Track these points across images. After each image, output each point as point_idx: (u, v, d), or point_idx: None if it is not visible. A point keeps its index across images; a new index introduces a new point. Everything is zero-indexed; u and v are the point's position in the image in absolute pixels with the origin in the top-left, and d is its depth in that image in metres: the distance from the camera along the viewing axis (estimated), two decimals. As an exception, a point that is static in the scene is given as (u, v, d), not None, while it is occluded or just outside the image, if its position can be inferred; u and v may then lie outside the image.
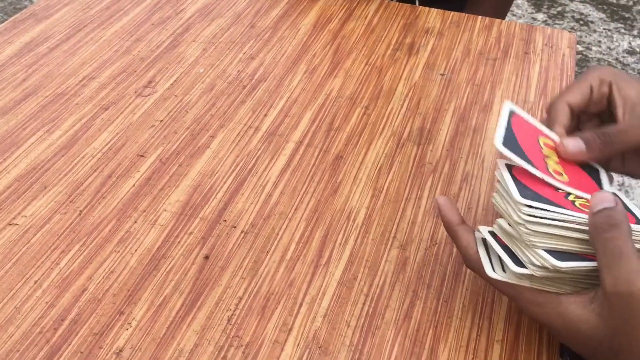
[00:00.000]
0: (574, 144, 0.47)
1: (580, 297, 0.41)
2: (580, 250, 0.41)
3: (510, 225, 0.43)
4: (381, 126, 0.66)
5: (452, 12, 0.86)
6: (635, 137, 0.48)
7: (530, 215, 0.41)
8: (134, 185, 0.58)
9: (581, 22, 2.60)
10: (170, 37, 0.78)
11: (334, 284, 0.50)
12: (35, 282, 0.49)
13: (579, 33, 2.53)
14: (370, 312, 0.48)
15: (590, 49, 2.47)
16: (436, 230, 0.55)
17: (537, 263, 0.40)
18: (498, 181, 0.45)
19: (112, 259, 0.51)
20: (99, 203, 0.56)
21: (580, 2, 2.73)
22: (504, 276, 0.43)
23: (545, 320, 0.42)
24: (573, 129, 0.51)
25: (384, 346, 0.46)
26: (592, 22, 2.62)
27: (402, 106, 0.69)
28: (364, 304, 0.49)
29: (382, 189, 0.59)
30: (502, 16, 1.01)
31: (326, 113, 0.67)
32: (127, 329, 0.46)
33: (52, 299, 0.48)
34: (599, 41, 2.51)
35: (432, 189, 0.59)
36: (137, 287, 0.49)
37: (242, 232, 0.54)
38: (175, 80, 0.71)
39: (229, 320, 0.47)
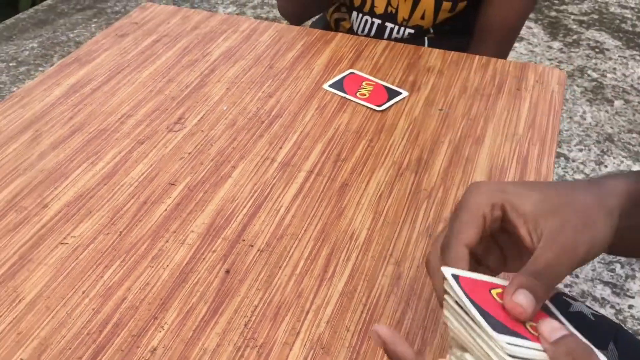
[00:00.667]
0: (525, 299, 0.41)
1: None
2: None
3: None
4: (383, 157, 0.74)
5: (453, 52, 0.95)
6: (564, 268, 0.43)
7: (512, 357, 0.37)
8: (165, 209, 0.67)
9: (597, 50, 2.66)
10: (198, 77, 0.87)
11: (337, 295, 0.58)
12: (83, 292, 0.58)
13: (594, 61, 2.58)
14: (367, 319, 0.56)
15: (605, 76, 2.52)
16: (428, 248, 0.63)
17: None
18: (447, 294, 0.41)
19: (147, 273, 0.60)
20: (136, 225, 0.65)
21: (596, 30, 2.79)
22: None
23: None
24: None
25: (378, 348, 0.54)
26: (607, 49, 2.68)
27: (402, 139, 0.77)
28: (362, 312, 0.57)
29: (382, 212, 0.67)
30: (504, 56, 1.09)
31: (334, 145, 0.76)
32: (160, 332, 0.55)
33: (98, 306, 0.56)
34: (614, 68, 2.56)
35: (426, 212, 0.67)
36: (168, 297, 0.57)
37: (258, 250, 0.62)
38: (202, 117, 0.80)
39: (246, 324, 0.55)
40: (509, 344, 0.38)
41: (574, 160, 2.07)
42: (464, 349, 0.41)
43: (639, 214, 0.48)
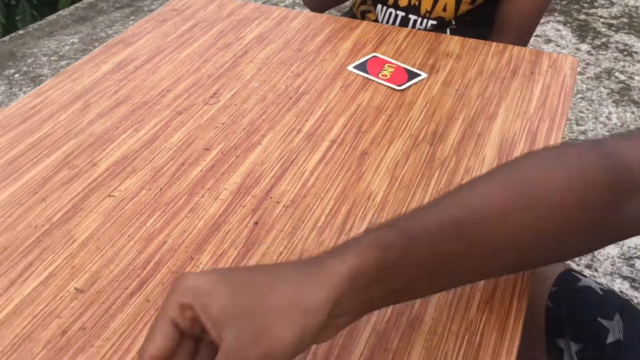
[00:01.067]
0: None
1: None
2: None
3: None
4: (401, 130, 0.80)
5: (471, 39, 1.00)
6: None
7: None
8: (201, 170, 0.74)
9: (625, 53, 2.67)
10: (232, 58, 0.95)
11: (354, 246, 0.64)
12: (129, 235, 0.65)
13: (622, 63, 2.60)
14: (380, 266, 0.62)
15: (633, 79, 2.54)
16: (439, 209, 0.68)
17: None
18: None
19: (185, 222, 0.67)
20: (175, 183, 0.72)
21: (625, 33, 2.80)
22: None
23: None
24: None
25: (389, 290, 0.60)
26: (636, 52, 2.69)
27: (420, 115, 0.83)
28: (376, 260, 0.63)
29: (398, 177, 0.73)
30: (524, 45, 1.14)
31: (356, 119, 0.82)
32: (196, 269, 0.61)
33: (141, 248, 0.64)
34: (642, 71, 2.57)
35: (438, 179, 0.73)
36: (203, 242, 0.64)
37: (284, 206, 0.69)
38: (235, 92, 0.87)
39: (271, 267, 0.62)
40: None
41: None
42: None
43: (378, 286, 0.44)
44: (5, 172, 0.73)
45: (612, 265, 1.74)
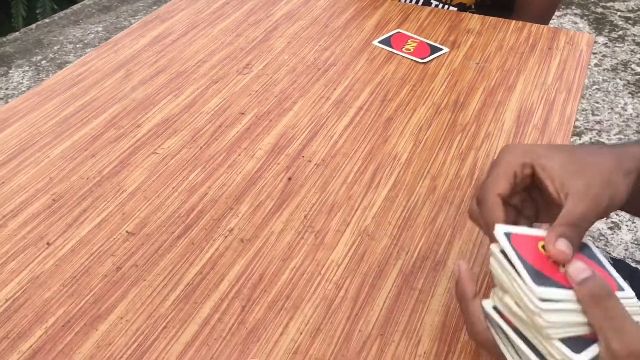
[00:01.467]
0: (565, 245, 0.47)
1: None
2: (585, 331, 0.43)
3: (517, 305, 0.45)
4: (424, 99, 0.85)
5: (491, 17, 1.04)
6: (590, 215, 0.49)
7: (547, 307, 0.42)
8: (237, 132, 0.79)
9: (641, 45, 2.68)
10: (263, 33, 1.00)
11: (381, 199, 0.69)
12: (173, 187, 0.70)
13: (638, 55, 2.62)
14: (406, 217, 0.67)
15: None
16: (460, 168, 0.73)
17: (558, 357, 0.43)
18: (500, 251, 0.47)
19: (224, 177, 0.72)
20: (213, 142, 0.77)
21: (642, 26, 2.82)
22: None
23: None
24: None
25: (415, 237, 0.64)
26: (653, 45, 2.70)
27: (442, 85, 0.88)
28: (402, 212, 0.68)
29: (422, 140, 0.78)
30: (545, 22, 1.18)
31: (382, 89, 0.87)
32: (235, 218, 0.67)
33: (185, 198, 0.69)
34: (658, 63, 2.59)
35: (460, 142, 0.77)
36: (241, 194, 0.70)
37: (315, 164, 0.74)
38: (266, 64, 0.92)
39: (305, 216, 0.67)
40: (539, 285, 0.43)
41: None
42: (505, 290, 0.46)
43: None
44: (56, 132, 0.78)
45: (626, 250, 1.78)
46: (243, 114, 0.82)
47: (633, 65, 2.55)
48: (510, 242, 0.47)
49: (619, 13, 2.92)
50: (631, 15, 2.91)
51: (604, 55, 2.61)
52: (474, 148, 0.76)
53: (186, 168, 0.73)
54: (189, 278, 0.60)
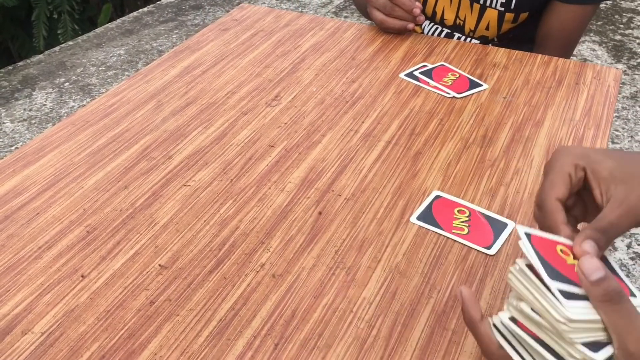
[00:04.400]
0: (590, 247, 0.49)
1: None
2: (602, 336, 0.45)
3: (535, 311, 0.46)
4: (452, 133, 0.85)
5: (517, 51, 1.05)
6: (624, 225, 0.52)
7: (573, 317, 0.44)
8: (267, 164, 0.79)
9: (660, 73, 2.68)
10: (291, 65, 1.01)
11: (412, 235, 0.69)
12: (205, 220, 0.71)
13: (658, 83, 2.61)
14: (437, 254, 0.67)
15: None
16: (490, 204, 0.73)
17: (579, 357, 0.44)
18: (522, 271, 0.48)
19: (255, 210, 0.72)
20: (244, 175, 0.78)
21: (662, 53, 2.81)
22: None
23: None
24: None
25: (447, 275, 0.64)
26: (672, 72, 2.69)
27: (470, 119, 0.88)
28: (433, 249, 0.68)
29: (451, 176, 0.78)
30: (567, 57, 1.18)
31: (410, 122, 0.88)
32: (267, 252, 0.67)
33: (217, 231, 0.69)
34: (678, 91, 2.58)
35: (489, 178, 0.77)
36: (272, 228, 0.70)
37: (345, 198, 0.74)
38: (295, 96, 0.93)
39: (336, 252, 0.67)
40: (567, 299, 0.45)
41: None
42: (519, 299, 0.48)
43: None
44: (89, 162, 0.80)
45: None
46: (272, 146, 0.83)
47: (652, 94, 2.54)
48: (530, 242, 0.48)
49: (638, 40, 2.92)
50: (650, 42, 2.91)
51: (623, 83, 2.60)
52: (504, 184, 0.77)
53: (217, 201, 0.74)
54: (221, 314, 0.60)
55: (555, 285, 0.46)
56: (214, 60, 1.02)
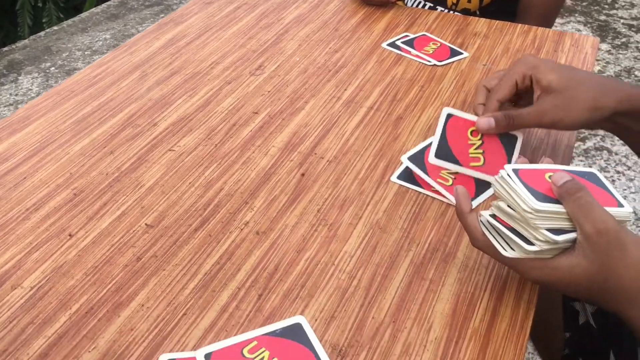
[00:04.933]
0: (484, 122, 0.69)
1: (567, 251, 0.53)
2: (567, 225, 0.53)
3: (511, 207, 0.55)
4: (433, 98, 0.87)
5: (498, 21, 1.06)
6: (528, 122, 0.69)
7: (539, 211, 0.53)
8: (251, 130, 0.81)
9: (644, 52, 2.70)
10: (274, 36, 1.02)
11: (392, 194, 0.71)
12: (190, 183, 0.72)
13: (641, 62, 2.64)
14: (417, 211, 0.69)
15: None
16: (469, 165, 0.75)
17: (542, 239, 0.53)
18: (503, 178, 0.56)
19: (239, 173, 0.74)
20: (228, 140, 0.79)
21: (646, 33, 2.84)
22: (514, 254, 0.54)
23: (545, 279, 0.54)
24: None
25: (426, 230, 0.66)
26: (656, 52, 2.72)
27: (450, 86, 0.90)
28: (412, 206, 0.69)
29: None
30: (549, 26, 1.20)
31: (391, 89, 0.89)
32: (251, 212, 0.69)
33: (202, 193, 0.71)
34: (662, 70, 2.61)
35: (468, 140, 0.79)
36: (256, 189, 0.72)
37: (327, 161, 0.76)
38: (278, 65, 0.94)
39: (318, 210, 0.69)
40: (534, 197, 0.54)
41: (616, 154, 2.14)
42: (500, 200, 0.57)
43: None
44: (75, 130, 0.81)
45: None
46: (256, 113, 0.84)
47: (637, 72, 2.57)
48: (517, 175, 0.56)
49: (622, 20, 2.95)
50: (634, 22, 2.93)
51: (607, 62, 2.63)
52: (482, 146, 0.78)
53: (202, 164, 0.75)
54: (206, 268, 0.62)
55: (524, 186, 0.55)
56: (198, 32, 1.03)
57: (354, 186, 0.72)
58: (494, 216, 0.57)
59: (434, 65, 0.94)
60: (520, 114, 0.69)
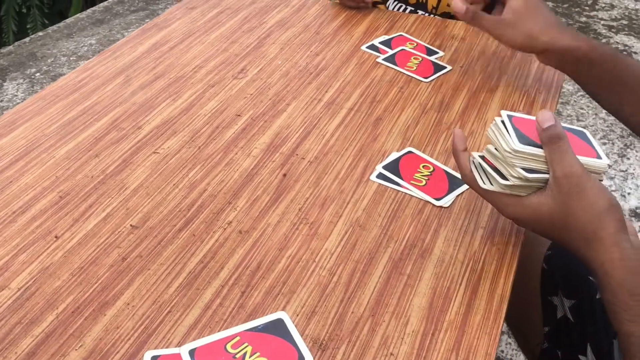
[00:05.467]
0: (459, 4, 0.85)
1: (539, 191, 0.61)
2: (542, 168, 0.60)
3: (496, 150, 0.62)
4: (411, 99, 0.89)
5: (475, 24, 1.09)
6: (485, 23, 0.84)
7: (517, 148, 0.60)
8: (234, 132, 0.83)
9: (625, 53, 2.75)
10: (256, 40, 1.04)
11: (371, 193, 0.73)
12: (174, 184, 0.74)
13: (621, 62, 2.68)
14: (395, 208, 0.71)
15: None
16: (445, 163, 0.77)
17: (516, 176, 0.60)
18: (496, 124, 0.63)
19: (222, 174, 0.76)
20: (211, 142, 0.81)
21: (625, 35, 2.89)
22: (491, 187, 0.63)
23: (517, 214, 0.62)
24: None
25: (404, 227, 0.68)
26: (635, 52, 2.77)
27: (428, 87, 0.92)
28: (391, 204, 0.71)
29: (409, 138, 0.82)
30: None
31: (371, 91, 0.91)
32: (234, 211, 0.70)
33: (185, 194, 0.73)
34: (641, 70, 2.65)
35: (445, 140, 0.82)
36: (239, 189, 0.73)
37: (308, 161, 0.78)
38: (260, 69, 0.96)
39: (300, 209, 0.71)
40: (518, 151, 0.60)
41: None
42: (491, 144, 0.64)
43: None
44: (60, 134, 0.82)
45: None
46: (239, 115, 0.86)
47: (616, 72, 2.61)
48: (511, 122, 0.62)
49: (602, 22, 3.00)
50: (614, 23, 2.98)
51: (588, 63, 2.67)
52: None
53: (186, 166, 0.77)
54: (190, 267, 0.64)
55: (514, 130, 0.61)
56: (181, 37, 1.05)
57: (334, 185, 0.74)
58: (482, 157, 0.65)
59: (420, 81, 0.95)
60: (483, 16, 0.84)
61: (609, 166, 2.04)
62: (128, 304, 0.60)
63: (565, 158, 0.58)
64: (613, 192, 1.96)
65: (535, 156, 0.60)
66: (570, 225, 0.59)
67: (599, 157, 0.62)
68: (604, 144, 2.19)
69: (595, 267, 0.58)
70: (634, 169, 2.05)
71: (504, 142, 0.61)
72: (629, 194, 1.94)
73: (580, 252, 0.59)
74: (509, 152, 0.60)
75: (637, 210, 1.87)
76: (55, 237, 0.67)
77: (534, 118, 0.63)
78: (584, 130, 0.65)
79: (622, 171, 2.03)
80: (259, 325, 0.57)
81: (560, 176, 0.58)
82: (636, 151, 2.17)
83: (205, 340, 0.56)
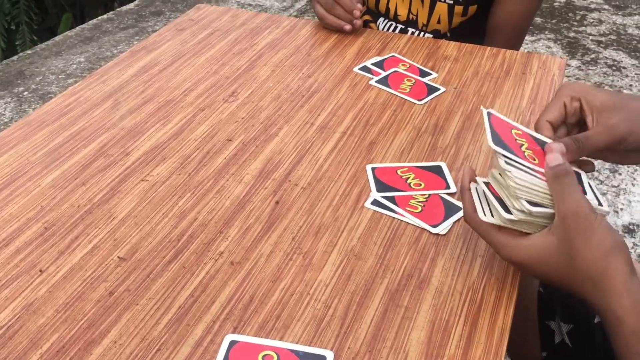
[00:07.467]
0: (557, 146, 0.61)
1: (542, 231, 0.58)
2: (546, 202, 0.59)
3: (500, 175, 0.60)
4: (405, 123, 0.88)
5: (467, 44, 1.08)
6: (599, 141, 0.63)
7: (507, 164, 0.59)
8: (225, 158, 0.81)
9: (614, 68, 2.77)
10: (247, 62, 1.03)
11: (366, 220, 0.71)
12: (163, 213, 0.72)
13: (611, 78, 2.70)
14: (391, 236, 0.69)
15: (622, 92, 2.63)
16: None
17: (519, 208, 0.58)
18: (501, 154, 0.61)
19: (213, 202, 0.74)
20: (202, 169, 0.79)
21: (614, 50, 2.91)
22: (492, 220, 0.60)
23: (515, 256, 0.58)
24: (563, 136, 0.67)
25: (400, 256, 0.67)
26: (624, 67, 2.79)
27: (422, 110, 0.91)
28: (386, 232, 0.70)
29: (404, 162, 0.80)
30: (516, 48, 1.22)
31: (364, 114, 0.90)
32: (225, 241, 0.68)
33: (175, 223, 0.70)
34: (631, 85, 2.67)
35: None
36: (230, 218, 0.71)
37: (301, 188, 0.76)
38: (252, 91, 0.95)
39: (293, 238, 0.69)
40: (502, 154, 0.60)
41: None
42: (495, 168, 0.62)
43: None
44: (46, 161, 0.80)
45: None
46: (230, 140, 0.84)
47: (606, 87, 2.63)
48: (489, 120, 0.62)
49: (591, 37, 3.02)
50: (603, 39, 3.00)
51: (577, 78, 2.69)
52: (454, 169, 0.79)
53: (176, 194, 0.75)
54: (180, 301, 0.61)
55: (498, 148, 0.60)
56: (170, 59, 1.03)
57: (328, 213, 0.72)
58: (487, 184, 0.62)
59: (414, 103, 0.94)
60: (586, 135, 0.64)
61: (608, 210, 2.03)
62: (115, 342, 0.57)
63: (572, 195, 0.56)
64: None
65: (541, 189, 0.58)
66: (577, 265, 0.56)
67: (599, 203, 0.60)
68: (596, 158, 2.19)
69: (605, 314, 0.55)
70: (625, 184, 2.05)
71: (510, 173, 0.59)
72: (621, 209, 1.94)
73: (587, 295, 0.57)
74: (504, 166, 0.59)
75: (630, 227, 1.87)
76: (40, 270, 0.64)
77: (514, 123, 0.64)
78: (580, 172, 0.63)
79: (614, 187, 2.03)
80: None
81: (568, 214, 0.56)
82: (627, 166, 2.17)
83: None
